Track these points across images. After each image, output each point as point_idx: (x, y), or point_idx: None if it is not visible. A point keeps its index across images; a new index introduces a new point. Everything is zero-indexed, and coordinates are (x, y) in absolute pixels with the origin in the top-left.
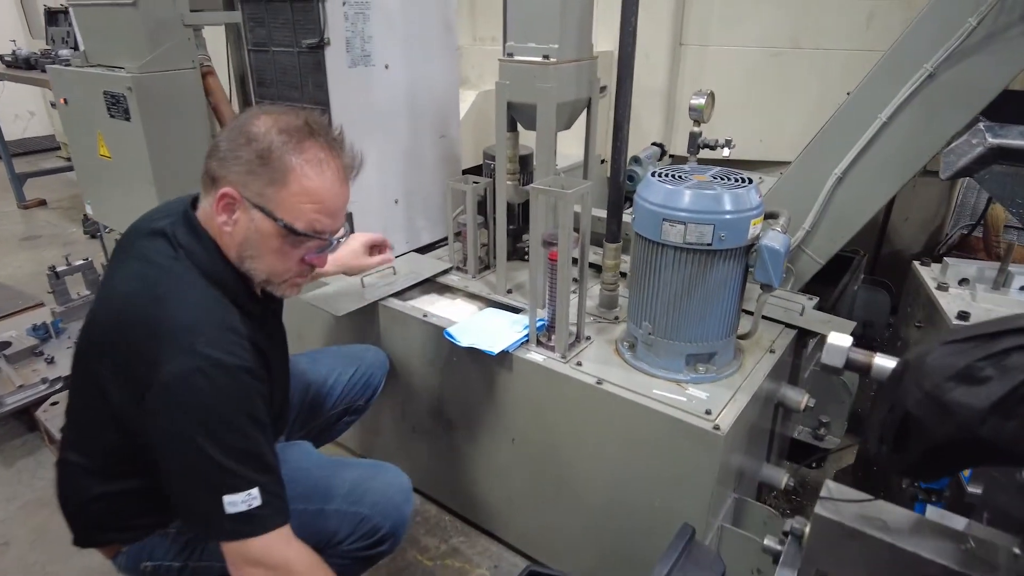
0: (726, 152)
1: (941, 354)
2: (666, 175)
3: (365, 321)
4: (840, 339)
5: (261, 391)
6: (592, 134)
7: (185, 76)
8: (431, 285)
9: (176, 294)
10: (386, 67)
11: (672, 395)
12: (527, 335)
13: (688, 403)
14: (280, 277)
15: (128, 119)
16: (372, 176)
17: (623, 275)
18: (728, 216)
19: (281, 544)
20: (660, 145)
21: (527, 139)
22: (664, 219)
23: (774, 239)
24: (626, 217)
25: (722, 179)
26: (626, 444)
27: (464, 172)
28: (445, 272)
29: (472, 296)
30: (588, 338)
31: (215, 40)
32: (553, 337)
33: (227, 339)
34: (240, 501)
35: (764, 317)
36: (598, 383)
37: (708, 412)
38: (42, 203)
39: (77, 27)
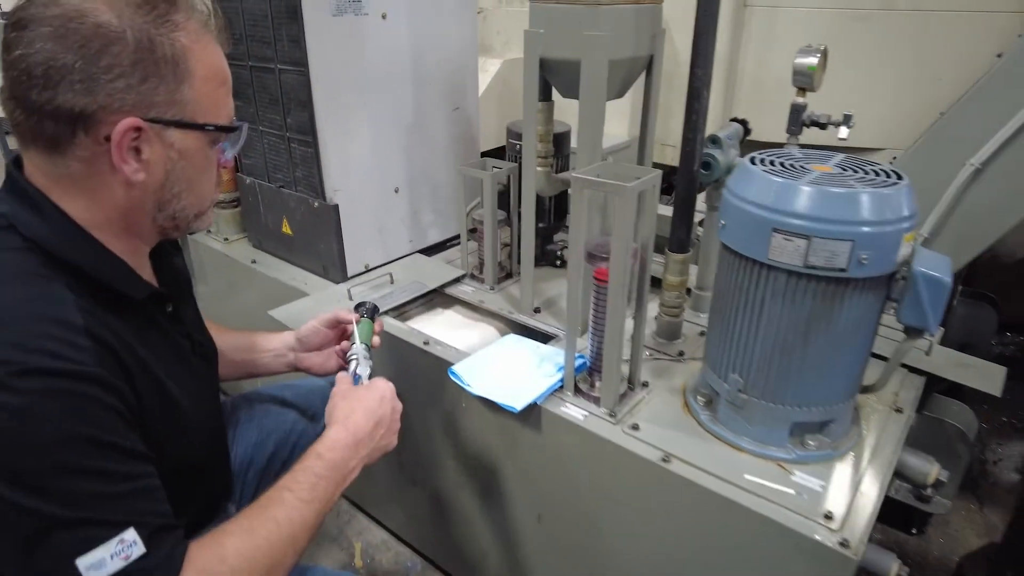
0: (844, 133)
1: None
2: (771, 162)
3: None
4: None
5: (109, 402)
6: (652, 105)
7: None
8: (438, 295)
9: None
10: (383, 17)
11: (772, 484)
12: (561, 379)
13: (797, 498)
14: (209, 199)
15: None
16: (365, 157)
17: (688, 292)
18: (871, 229)
19: None
20: (743, 121)
21: (560, 113)
22: (775, 229)
23: (934, 263)
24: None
25: (854, 170)
26: (700, 551)
27: (483, 155)
28: (456, 281)
29: (489, 314)
30: (645, 384)
31: None
32: (598, 384)
33: (44, 333)
34: (109, 557)
35: (873, 355)
36: (664, 460)
37: (828, 516)
38: None
39: None
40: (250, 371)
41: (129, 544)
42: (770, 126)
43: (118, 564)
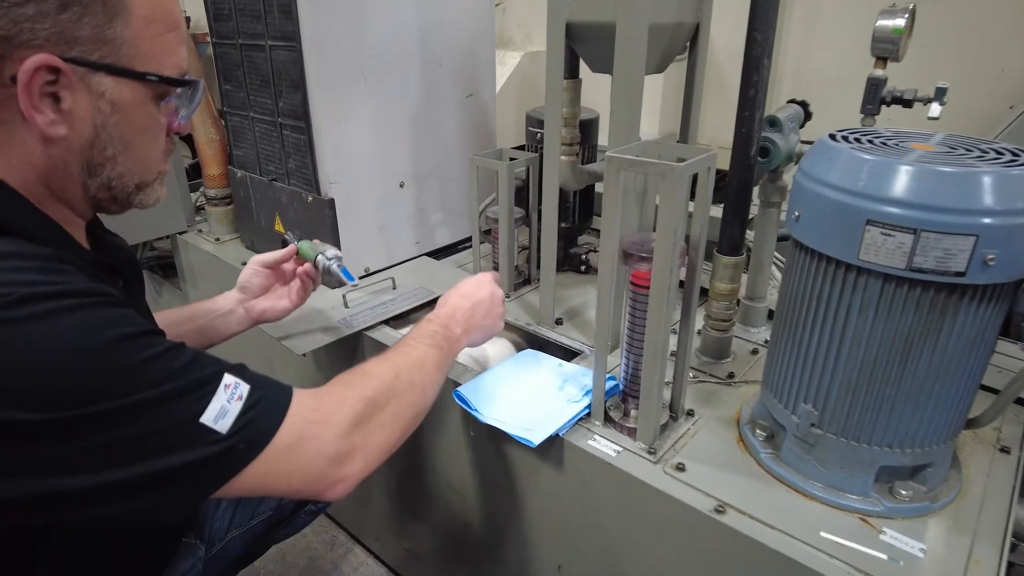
0: (936, 111)
1: None
2: (857, 139)
3: (346, 355)
4: None
5: (123, 302)
6: (697, 85)
7: None
8: None
9: None
10: None
11: (857, 544)
12: (588, 406)
13: (892, 567)
14: (155, 169)
15: None
16: (366, 146)
17: (737, 303)
18: (999, 220)
19: (315, 403)
20: (803, 103)
21: (586, 99)
22: (869, 220)
23: None
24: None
25: (966, 149)
26: None
27: None
28: None
29: (505, 325)
30: (691, 413)
31: None
32: (633, 413)
33: (12, 267)
34: (227, 402)
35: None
36: (717, 511)
37: None
38: None
39: None
40: (202, 341)
41: (235, 386)
42: (812, 121)
43: (237, 406)
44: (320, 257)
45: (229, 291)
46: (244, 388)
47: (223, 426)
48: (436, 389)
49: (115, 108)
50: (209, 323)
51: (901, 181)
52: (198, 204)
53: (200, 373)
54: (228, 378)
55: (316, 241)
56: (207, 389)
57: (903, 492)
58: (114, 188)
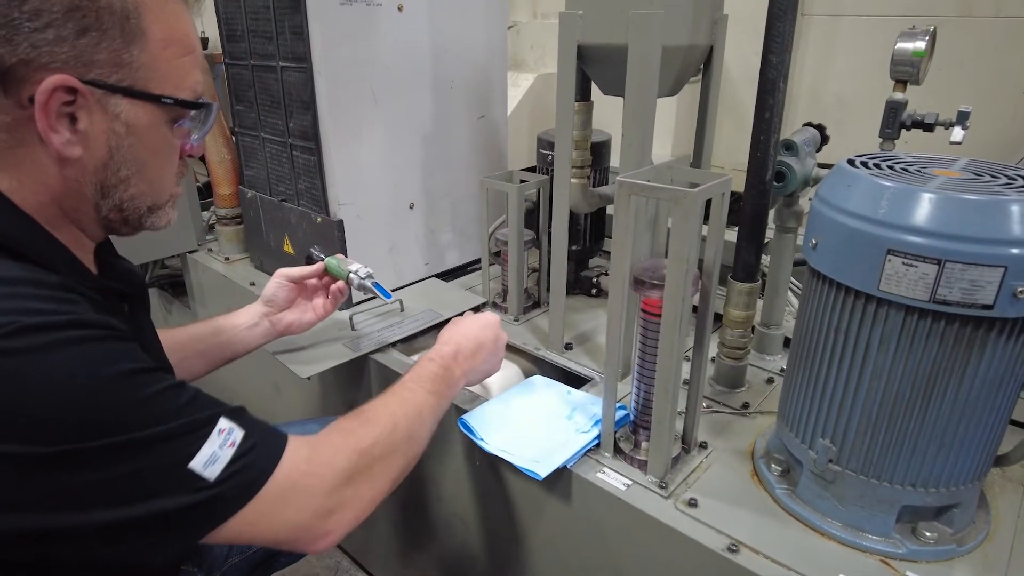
0: (958, 135)
1: None
2: (876, 165)
3: (352, 378)
4: None
5: (126, 336)
6: (711, 109)
7: None
8: None
9: None
10: (399, 8)
11: None
12: (598, 436)
13: None
14: (167, 191)
15: None
16: (376, 167)
17: (752, 330)
18: None
19: (309, 453)
20: (819, 127)
21: (597, 122)
22: (891, 250)
23: None
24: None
25: (992, 176)
26: None
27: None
28: (475, 310)
29: (511, 349)
30: (703, 445)
31: None
32: (644, 445)
33: (16, 293)
34: (219, 448)
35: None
36: (730, 549)
37: None
38: None
39: None
40: (225, 354)
41: (228, 431)
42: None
43: (229, 453)
44: (353, 276)
45: (251, 304)
46: (238, 434)
47: (211, 473)
48: (429, 437)
49: (130, 130)
50: (234, 336)
51: (924, 209)
52: (210, 223)
53: (197, 415)
54: (223, 422)
55: (341, 256)
56: (201, 432)
57: (927, 534)
58: (126, 210)
